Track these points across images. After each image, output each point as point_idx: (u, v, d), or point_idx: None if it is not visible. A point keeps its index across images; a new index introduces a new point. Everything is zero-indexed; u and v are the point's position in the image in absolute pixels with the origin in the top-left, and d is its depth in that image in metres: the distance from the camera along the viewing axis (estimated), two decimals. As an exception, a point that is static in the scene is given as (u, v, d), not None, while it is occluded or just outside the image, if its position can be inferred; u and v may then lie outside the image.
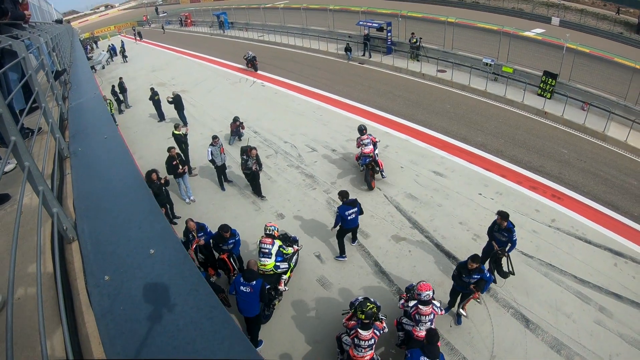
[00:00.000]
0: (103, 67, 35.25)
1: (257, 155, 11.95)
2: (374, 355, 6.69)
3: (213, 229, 9.32)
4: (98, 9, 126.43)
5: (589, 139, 15.82)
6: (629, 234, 10.57)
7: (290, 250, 8.91)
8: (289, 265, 8.92)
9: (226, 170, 13.33)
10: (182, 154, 13.12)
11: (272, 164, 14.31)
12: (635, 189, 12.72)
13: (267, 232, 8.71)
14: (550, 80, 18.53)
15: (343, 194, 9.25)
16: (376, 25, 26.58)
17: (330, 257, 9.97)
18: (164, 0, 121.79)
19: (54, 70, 7.15)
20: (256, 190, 12.57)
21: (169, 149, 12.13)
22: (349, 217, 9.16)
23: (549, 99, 18.36)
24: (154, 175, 10.66)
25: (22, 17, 5.87)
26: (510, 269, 8.55)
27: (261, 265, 8.46)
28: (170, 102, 18.08)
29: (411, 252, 9.88)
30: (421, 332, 6.98)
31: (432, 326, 6.99)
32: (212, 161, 12.56)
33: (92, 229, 2.95)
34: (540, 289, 8.82)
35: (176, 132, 14.10)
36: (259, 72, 27.05)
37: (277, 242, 8.67)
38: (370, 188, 12.39)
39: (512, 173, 13.11)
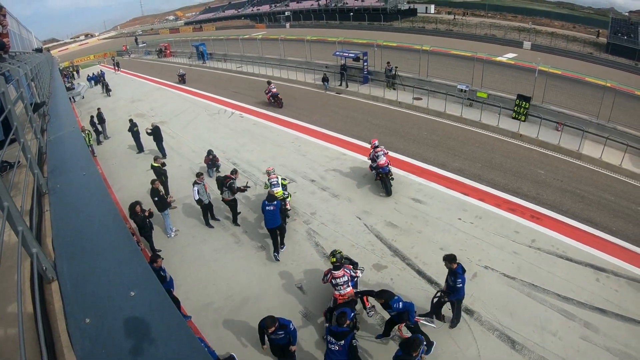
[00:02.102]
0: (82, 98, 35.97)
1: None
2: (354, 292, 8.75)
3: (191, 259, 9.46)
4: (78, 37, 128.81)
5: (564, 158, 16.56)
6: (609, 249, 11.08)
7: (286, 181, 13.53)
8: (288, 193, 13.26)
9: (213, 207, 13.37)
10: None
11: (252, 196, 14.54)
12: (612, 204, 13.34)
13: (272, 172, 13.10)
14: (524, 103, 19.40)
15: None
16: (352, 55, 27.64)
17: (311, 287, 10.15)
18: (143, 30, 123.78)
19: (33, 102, 7.16)
20: (235, 218, 13.25)
21: (154, 182, 12.34)
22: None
23: (524, 121, 19.20)
24: (137, 208, 10.95)
25: (2, 46, 5.85)
26: (455, 319, 8.67)
27: (275, 193, 12.27)
28: (149, 134, 18.42)
29: (393, 280, 10.12)
30: (380, 161, 13.64)
31: (384, 160, 13.47)
32: (199, 200, 12.69)
33: (72, 270, 3.00)
34: (524, 309, 9.12)
35: (155, 164, 14.37)
36: (186, 86, 32.53)
37: (280, 176, 13.10)
38: (389, 193, 13.97)
39: (490, 196, 13.60)
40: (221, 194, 12.96)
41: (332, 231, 12.14)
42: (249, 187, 13.61)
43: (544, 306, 9.15)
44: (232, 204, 12.96)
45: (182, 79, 36.79)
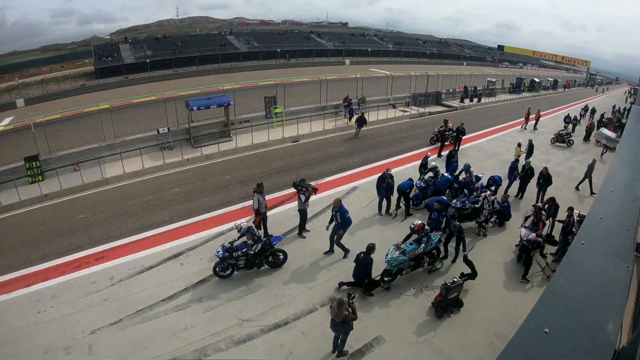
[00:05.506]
0: None
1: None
2: None
3: None
4: None
5: (94, 191, 17.51)
6: (185, 234, 13.26)
7: None
8: None
9: None
10: None
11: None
12: (155, 201, 15.42)
13: None
14: (34, 163, 18.23)
15: None
16: None
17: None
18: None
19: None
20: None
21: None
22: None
23: (42, 181, 18.30)
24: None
25: None
26: None
27: None
28: None
29: None
30: None
31: None
32: (258, 210, 13.09)
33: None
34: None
35: None
36: None
37: None
38: None
39: (43, 272, 12.15)
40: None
41: None
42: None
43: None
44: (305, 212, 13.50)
45: None
